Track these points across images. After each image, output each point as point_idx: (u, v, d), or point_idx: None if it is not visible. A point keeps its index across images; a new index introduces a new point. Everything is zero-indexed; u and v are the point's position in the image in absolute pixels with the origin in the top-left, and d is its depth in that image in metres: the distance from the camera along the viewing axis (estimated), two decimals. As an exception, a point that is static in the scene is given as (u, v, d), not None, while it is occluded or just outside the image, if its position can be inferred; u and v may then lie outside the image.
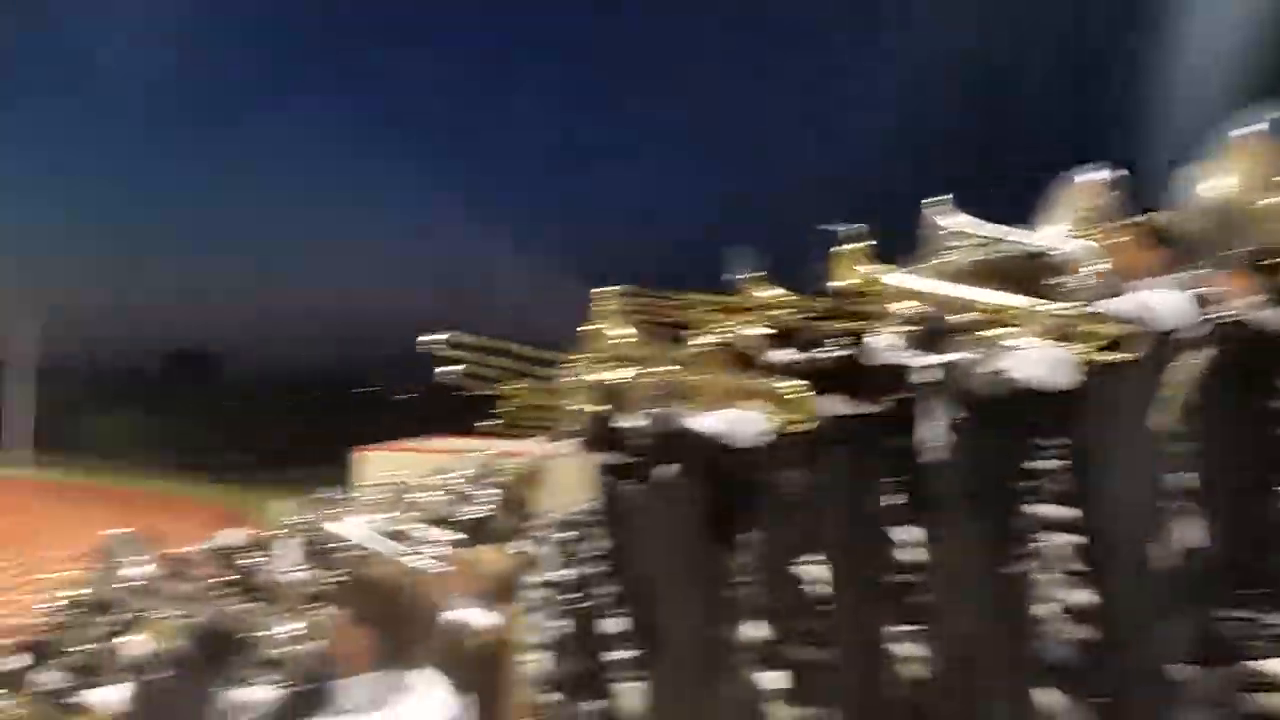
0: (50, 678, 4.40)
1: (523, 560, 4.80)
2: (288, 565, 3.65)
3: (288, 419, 69.15)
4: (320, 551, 5.33)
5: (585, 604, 7.97)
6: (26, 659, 4.79)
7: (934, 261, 3.01)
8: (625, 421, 3.63)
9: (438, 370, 4.64)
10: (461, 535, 4.37)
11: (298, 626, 2.36)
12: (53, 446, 57.91)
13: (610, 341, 3.67)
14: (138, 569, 2.07)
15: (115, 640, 3.69)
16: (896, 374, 3.25)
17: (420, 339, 4.47)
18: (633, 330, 3.80)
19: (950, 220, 2.99)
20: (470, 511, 5.36)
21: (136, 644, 3.51)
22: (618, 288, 3.94)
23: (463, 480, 6.40)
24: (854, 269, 2.79)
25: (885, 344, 3.36)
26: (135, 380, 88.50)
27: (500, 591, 3.20)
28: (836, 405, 3.50)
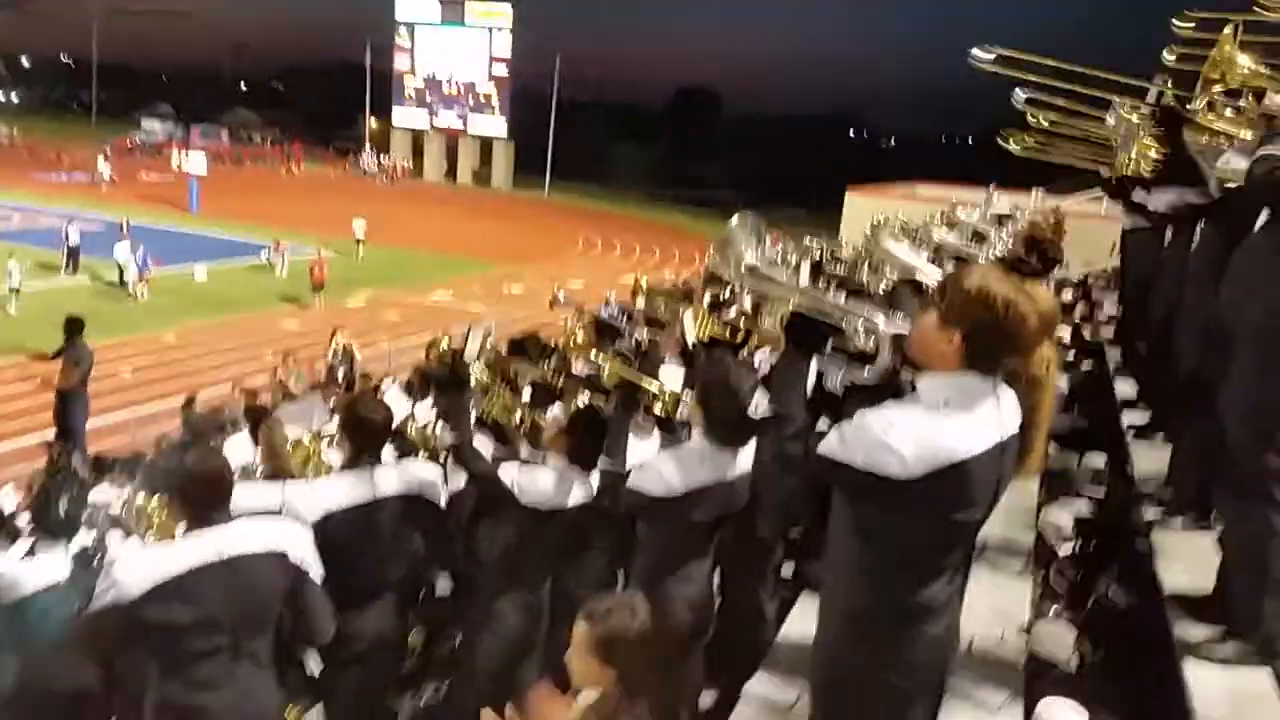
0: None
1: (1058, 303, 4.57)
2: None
3: (780, 158, 71.35)
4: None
5: (1094, 363, 7.59)
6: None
7: None
8: (1233, 161, 3.13)
9: (1018, 93, 4.45)
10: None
11: (884, 322, 2.44)
12: (568, 176, 65.48)
13: (1234, 68, 3.09)
14: (753, 255, 2.27)
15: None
16: None
17: (973, 51, 4.27)
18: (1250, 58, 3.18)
19: None
20: (989, 252, 5.14)
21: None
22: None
23: (978, 221, 6.13)
24: None
25: None
26: (641, 115, 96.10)
27: (1046, 329, 3.05)
28: None
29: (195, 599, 2.91)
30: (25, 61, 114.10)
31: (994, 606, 3.78)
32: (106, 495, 5.03)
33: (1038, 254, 4.70)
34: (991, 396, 2.19)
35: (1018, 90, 4.66)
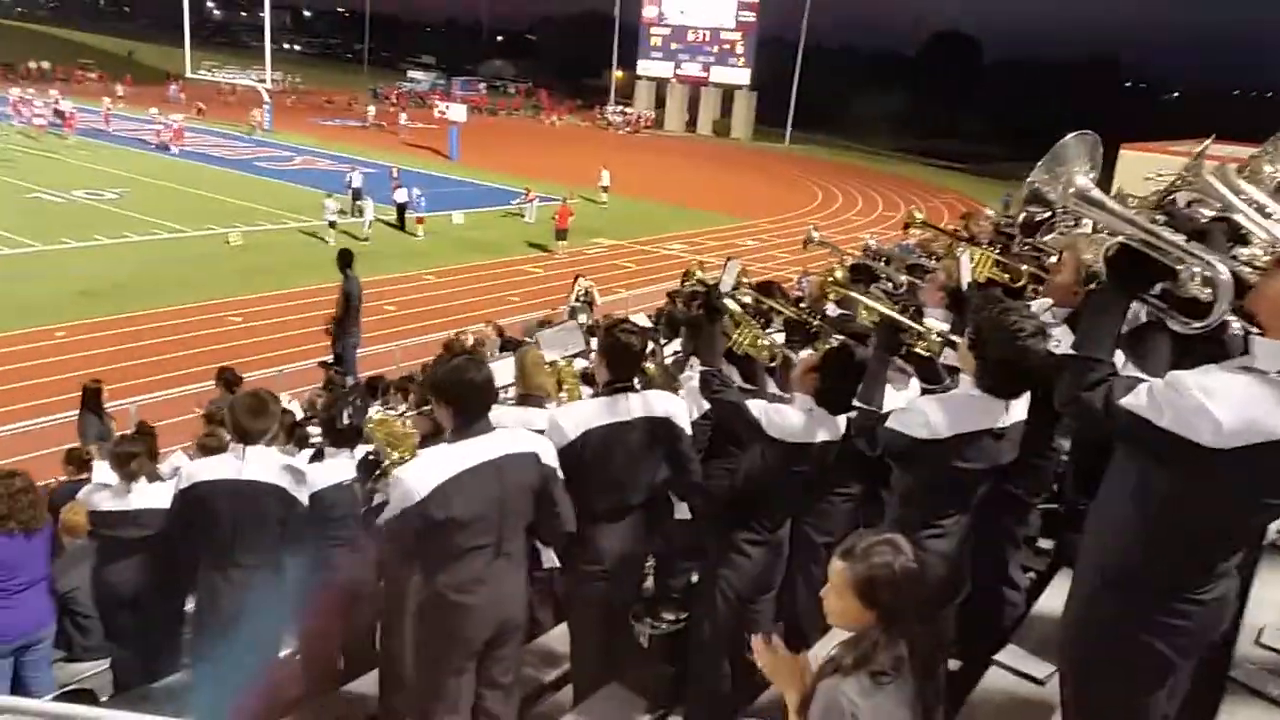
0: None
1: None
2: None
3: (1045, 110, 66.16)
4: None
5: None
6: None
7: None
8: None
9: None
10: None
11: (1227, 270, 2.16)
12: (810, 126, 63.75)
13: None
14: (1083, 178, 2.07)
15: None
16: None
17: None
18: None
19: None
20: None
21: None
22: None
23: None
24: None
25: None
26: (892, 62, 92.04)
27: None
28: None
29: (471, 495, 3.19)
30: (306, 13, 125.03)
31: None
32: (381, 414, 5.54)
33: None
34: None
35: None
